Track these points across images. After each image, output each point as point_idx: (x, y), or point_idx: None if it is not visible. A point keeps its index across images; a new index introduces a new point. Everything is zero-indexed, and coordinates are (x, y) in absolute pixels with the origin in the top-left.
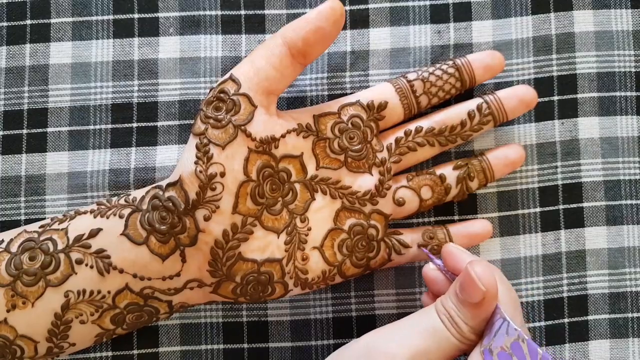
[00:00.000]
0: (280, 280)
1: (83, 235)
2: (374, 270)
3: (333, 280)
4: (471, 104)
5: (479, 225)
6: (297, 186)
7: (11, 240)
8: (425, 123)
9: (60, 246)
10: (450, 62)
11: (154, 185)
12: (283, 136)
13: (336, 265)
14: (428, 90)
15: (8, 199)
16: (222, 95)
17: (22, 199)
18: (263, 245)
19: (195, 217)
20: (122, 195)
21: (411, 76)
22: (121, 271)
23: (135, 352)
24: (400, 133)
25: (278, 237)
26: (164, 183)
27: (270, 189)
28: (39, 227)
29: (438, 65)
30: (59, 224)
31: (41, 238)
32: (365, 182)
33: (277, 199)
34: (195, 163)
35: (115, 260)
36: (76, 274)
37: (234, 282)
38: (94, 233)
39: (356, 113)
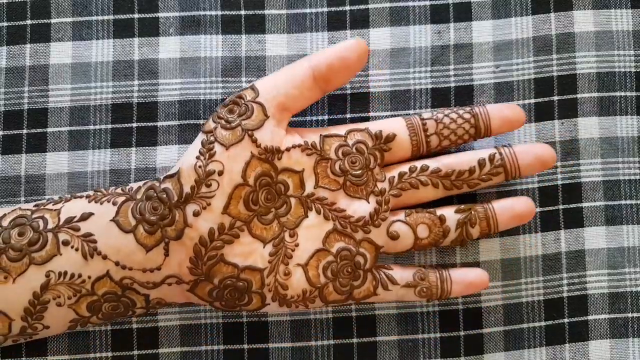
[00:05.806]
0: (258, 291)
1: (74, 217)
2: (357, 303)
3: (313, 303)
4: (483, 153)
5: (474, 274)
6: (293, 200)
7: (4, 215)
8: (432, 163)
9: (50, 225)
10: (468, 108)
11: (154, 178)
12: (288, 149)
13: (318, 288)
14: (440, 131)
15: (8, 199)
16: (238, 100)
17: (22, 199)
18: (247, 252)
19: (185, 211)
20: (120, 186)
21: (425, 115)
22: (104, 257)
23: (135, 352)
24: (404, 168)
25: (264, 247)
26: (163, 175)
27: (265, 198)
28: (34, 206)
29: (455, 109)
30: (53, 205)
31: (33, 216)
32: (360, 207)
33: (270, 209)
34: (197, 158)
35: (100, 245)
36: (61, 254)
37: (212, 283)
38: (85, 216)
39: (362, 139)
